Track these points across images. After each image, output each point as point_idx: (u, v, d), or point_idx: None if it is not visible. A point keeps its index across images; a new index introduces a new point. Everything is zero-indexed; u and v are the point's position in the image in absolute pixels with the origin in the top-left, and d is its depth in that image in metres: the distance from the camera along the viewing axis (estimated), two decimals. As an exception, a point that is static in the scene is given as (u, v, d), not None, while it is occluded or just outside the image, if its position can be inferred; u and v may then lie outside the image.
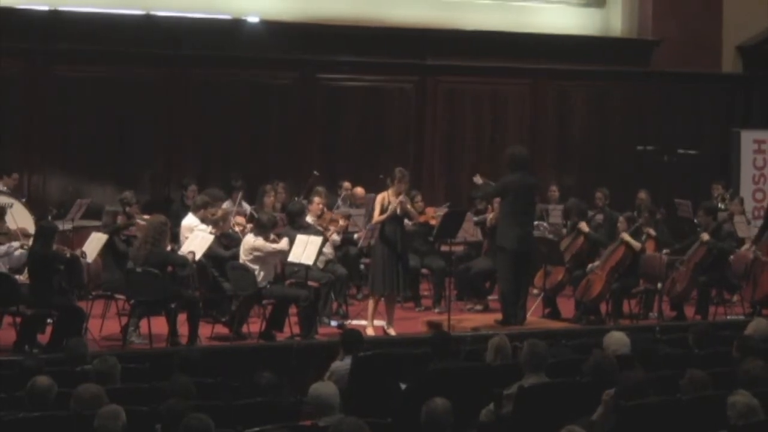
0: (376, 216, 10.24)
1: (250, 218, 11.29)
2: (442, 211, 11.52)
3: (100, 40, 13.43)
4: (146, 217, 10.75)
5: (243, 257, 10.04)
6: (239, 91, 14.22)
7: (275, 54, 14.34)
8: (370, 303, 10.41)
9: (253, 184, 12.66)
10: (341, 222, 11.26)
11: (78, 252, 9.84)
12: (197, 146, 14.06)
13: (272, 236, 10.17)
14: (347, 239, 11.66)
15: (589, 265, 11.02)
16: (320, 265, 10.80)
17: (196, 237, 10.25)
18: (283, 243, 10.01)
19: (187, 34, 13.85)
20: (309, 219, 11.09)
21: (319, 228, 10.87)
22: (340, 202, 12.77)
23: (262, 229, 10.08)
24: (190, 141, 14.03)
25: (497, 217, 11.19)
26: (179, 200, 12.52)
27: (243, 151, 14.22)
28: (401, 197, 10.16)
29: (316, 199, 11.28)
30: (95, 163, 13.50)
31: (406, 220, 11.64)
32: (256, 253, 9.94)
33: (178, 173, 13.48)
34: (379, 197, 10.33)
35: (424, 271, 11.99)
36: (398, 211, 10.14)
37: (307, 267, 10.15)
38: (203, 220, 10.62)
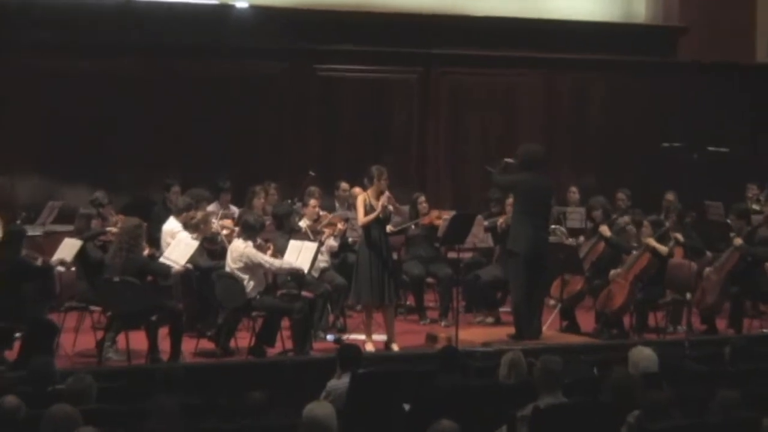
0: (361, 217, 10.23)
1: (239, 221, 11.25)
2: (448, 215, 11.45)
3: (73, 28, 13.41)
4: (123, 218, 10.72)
5: (231, 265, 9.98)
6: (227, 84, 14.21)
7: (266, 43, 14.33)
8: (365, 315, 10.38)
9: (242, 185, 12.61)
10: (340, 226, 11.22)
11: (54, 260, 9.79)
12: (181, 144, 14.02)
13: (259, 240, 10.12)
14: (345, 245, 11.62)
15: (611, 273, 10.97)
16: (315, 273, 10.76)
17: (179, 243, 10.21)
18: (279, 261, 9.95)
19: (169, 22, 13.84)
20: (303, 223, 11.05)
21: (312, 232, 10.83)
22: (337, 204, 12.74)
23: (249, 231, 10.03)
24: (173, 138, 14.00)
25: (507, 219, 11.15)
26: (161, 202, 12.48)
27: (231, 149, 14.21)
28: (386, 195, 10.14)
29: (312, 201, 11.24)
30: (69, 162, 13.47)
31: (412, 226, 11.64)
32: (246, 261, 9.89)
33: (159, 173, 13.44)
34: (360, 199, 10.33)
35: (429, 279, 11.95)
36: (386, 208, 10.12)
37: (300, 275, 10.09)
38: (185, 225, 10.58)
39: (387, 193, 10.16)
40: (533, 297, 10.33)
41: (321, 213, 11.28)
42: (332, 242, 11.24)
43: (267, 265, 9.96)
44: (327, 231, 10.97)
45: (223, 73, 14.17)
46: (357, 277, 10.27)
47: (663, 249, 10.91)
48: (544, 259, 10.34)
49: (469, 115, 15.34)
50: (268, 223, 10.99)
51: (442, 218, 11.57)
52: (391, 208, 10.31)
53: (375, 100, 14.97)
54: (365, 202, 10.23)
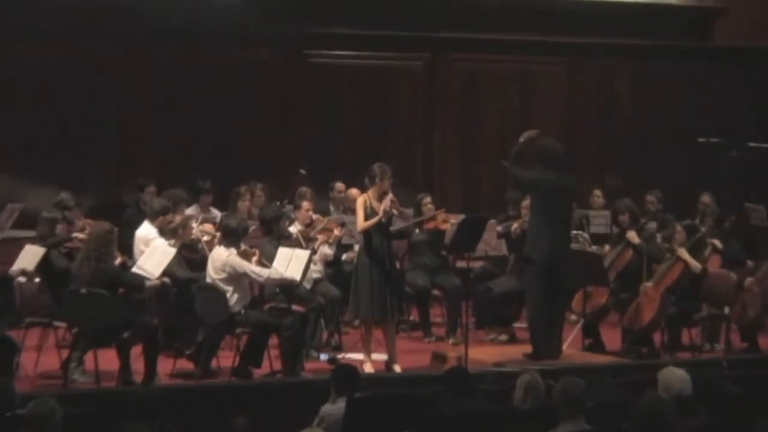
0: (361, 221, 10.22)
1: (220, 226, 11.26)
2: (457, 219, 11.45)
3: (41, 14, 13.40)
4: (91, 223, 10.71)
5: (212, 275, 9.98)
6: (208, 73, 14.21)
7: (254, 27, 14.32)
8: (363, 331, 10.38)
9: (225, 185, 12.63)
10: (336, 232, 11.22)
11: (14, 270, 9.79)
12: (157, 139, 14.04)
13: (243, 246, 10.11)
14: (341, 253, 11.63)
15: (642, 286, 10.96)
16: (307, 284, 10.75)
17: (154, 251, 10.20)
18: (267, 270, 9.94)
19: (149, 6, 13.83)
20: (294, 228, 11.05)
21: (304, 239, 10.83)
22: (331, 207, 12.73)
23: (232, 237, 10.02)
24: (148, 133, 14.01)
25: (522, 224, 11.13)
26: (134, 205, 12.49)
27: (212, 145, 14.21)
28: (389, 197, 10.12)
29: (305, 204, 11.25)
30: (30, 159, 13.47)
31: (416, 230, 11.63)
32: (229, 271, 9.89)
33: (132, 172, 13.44)
34: (360, 201, 10.32)
35: (435, 292, 11.95)
36: (389, 211, 10.09)
37: (291, 286, 10.08)
38: (161, 231, 10.57)
39: (390, 196, 10.14)
40: (552, 311, 10.31)
41: (314, 217, 11.28)
42: (327, 250, 11.23)
43: (253, 276, 9.95)
44: (321, 237, 10.96)
45: (204, 61, 14.19)
46: (355, 288, 10.26)
47: (695, 265, 10.88)
48: (566, 269, 10.32)
49: (481, 107, 15.35)
50: (254, 228, 11.00)
51: (449, 222, 11.55)
52: (395, 212, 10.30)
53: (375, 90, 14.98)
54: (366, 204, 10.22)
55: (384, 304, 10.15)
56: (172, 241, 10.40)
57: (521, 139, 10.43)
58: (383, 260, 10.18)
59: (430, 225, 11.72)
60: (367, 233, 10.20)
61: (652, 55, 15.74)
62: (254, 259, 10.11)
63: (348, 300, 10.51)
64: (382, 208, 10.11)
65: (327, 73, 14.79)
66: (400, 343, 10.72)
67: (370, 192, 10.26)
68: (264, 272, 9.96)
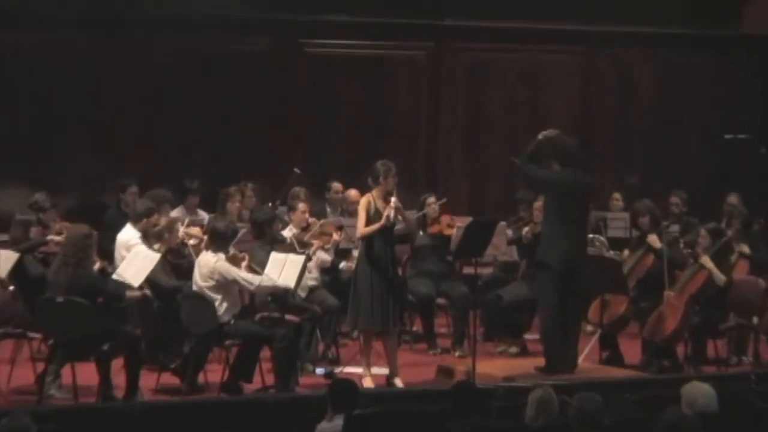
0: (361, 226, 10.22)
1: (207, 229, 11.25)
2: (463, 222, 11.46)
3: (10, 1, 13.41)
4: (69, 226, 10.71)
5: (199, 283, 9.98)
6: (194, 63, 14.23)
7: (244, 13, 14.33)
8: (363, 343, 10.40)
9: (213, 185, 12.64)
10: (334, 236, 11.22)
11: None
12: (140, 135, 14.03)
13: (232, 251, 10.11)
14: (338, 259, 11.65)
15: (663, 294, 10.96)
16: (302, 293, 10.75)
17: (135, 257, 10.20)
18: (258, 277, 9.94)
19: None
20: (288, 232, 11.05)
21: (299, 243, 10.83)
22: (328, 208, 12.75)
23: (220, 241, 10.01)
24: (130, 128, 14.01)
25: (534, 228, 11.13)
26: (115, 206, 12.50)
27: (201, 141, 14.23)
28: (393, 201, 10.11)
29: (300, 206, 11.25)
30: (4, 157, 13.47)
31: (420, 232, 11.62)
32: (218, 278, 9.89)
33: (114, 170, 13.46)
34: (363, 201, 10.30)
35: (440, 300, 11.95)
36: (391, 218, 10.10)
37: (284, 294, 10.08)
38: (145, 234, 10.59)
39: (394, 200, 10.09)
40: (567, 321, 10.30)
41: (311, 220, 11.28)
42: (324, 256, 11.23)
43: (243, 283, 9.95)
44: (317, 242, 10.97)
45: (190, 51, 14.18)
46: (354, 297, 10.26)
47: (719, 277, 10.88)
48: (582, 275, 10.32)
49: (488, 100, 15.36)
50: (244, 231, 11.00)
51: (454, 228, 11.55)
52: (400, 218, 10.26)
53: (374, 82, 14.99)
54: (369, 206, 10.20)
55: (385, 313, 10.14)
56: (158, 246, 10.40)
57: (539, 137, 10.40)
58: (385, 266, 10.18)
59: (434, 229, 11.72)
60: (368, 237, 10.20)
61: (675, 43, 15.71)
62: (244, 264, 10.11)
63: (346, 309, 10.50)
64: (384, 215, 10.07)
65: (323, 64, 14.80)
66: (403, 356, 10.73)
67: (374, 192, 10.24)
68: (255, 279, 9.96)
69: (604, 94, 15.72)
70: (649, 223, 11.39)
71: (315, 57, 14.80)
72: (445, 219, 11.82)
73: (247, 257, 10.20)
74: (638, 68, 15.78)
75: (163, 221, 10.66)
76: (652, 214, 11.45)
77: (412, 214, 11.62)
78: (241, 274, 9.92)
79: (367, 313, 10.16)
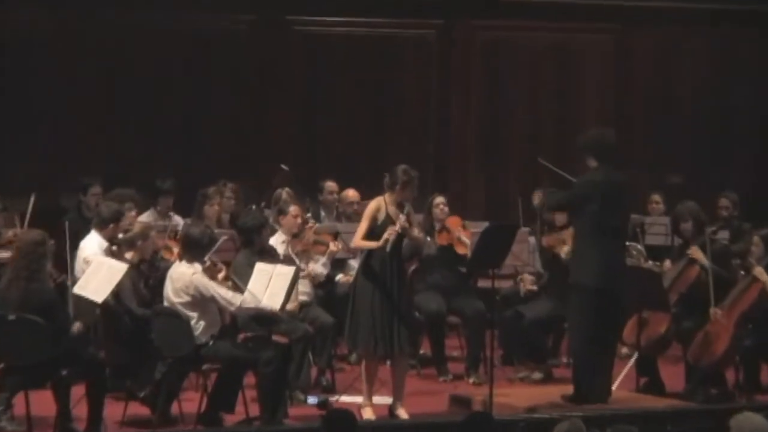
0: (360, 235, 10.20)
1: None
2: (478, 227, 11.47)
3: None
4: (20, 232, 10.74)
5: (172, 298, 9.99)
6: (169, 44, 14.27)
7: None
8: (363, 368, 10.41)
9: (189, 185, 12.66)
10: (332, 246, 11.21)
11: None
12: (103, 127, 14.06)
13: (208, 261, 10.11)
14: (334, 272, 11.70)
15: (710, 311, 10.96)
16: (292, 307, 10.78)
17: (99, 267, 10.20)
18: (240, 296, 9.90)
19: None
20: (278, 239, 11.06)
21: (293, 253, 10.83)
22: (322, 212, 12.77)
23: (195, 249, 9.98)
24: (92, 119, 14.04)
25: (562, 241, 11.16)
26: (75, 209, 12.50)
27: (175, 134, 14.26)
28: (402, 217, 10.08)
29: (292, 209, 11.26)
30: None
31: (427, 238, 11.59)
32: (194, 294, 9.88)
33: (73, 168, 13.48)
34: (372, 207, 10.27)
35: (451, 318, 11.97)
36: (390, 243, 10.04)
37: (271, 314, 10.09)
38: (112, 242, 10.61)
39: (403, 217, 10.05)
40: (602, 344, 10.31)
41: (308, 225, 11.28)
42: (319, 269, 11.20)
43: (222, 302, 9.90)
44: (312, 253, 11.00)
45: (164, 30, 14.21)
46: (353, 315, 10.25)
47: (773, 288, 10.93)
48: (623, 294, 10.33)
49: (508, 87, 15.42)
50: (225, 238, 11.00)
51: (469, 233, 11.55)
52: (412, 230, 10.24)
53: (376, 66, 15.04)
54: (378, 212, 10.17)
55: (388, 336, 10.10)
56: (131, 255, 10.39)
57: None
58: (388, 281, 10.15)
59: (443, 239, 11.70)
60: (369, 251, 10.16)
61: (725, 20, 15.74)
62: (221, 276, 10.09)
63: (343, 328, 10.51)
64: (384, 237, 10.01)
65: (314, 45, 14.85)
66: (408, 383, 10.67)
67: (387, 197, 10.21)
68: (236, 299, 9.91)
69: (641, 80, 15.76)
70: (692, 229, 11.38)
71: (306, 37, 14.84)
72: (454, 224, 11.78)
73: (224, 268, 10.18)
74: (682, 50, 15.79)
75: (137, 228, 10.64)
76: (696, 218, 11.44)
77: (419, 218, 11.54)
78: (221, 291, 9.88)
79: (367, 334, 10.16)
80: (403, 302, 10.29)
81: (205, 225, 10.70)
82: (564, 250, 11.34)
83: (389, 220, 10.09)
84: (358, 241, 10.25)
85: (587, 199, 10.22)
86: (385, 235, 10.02)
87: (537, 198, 11.42)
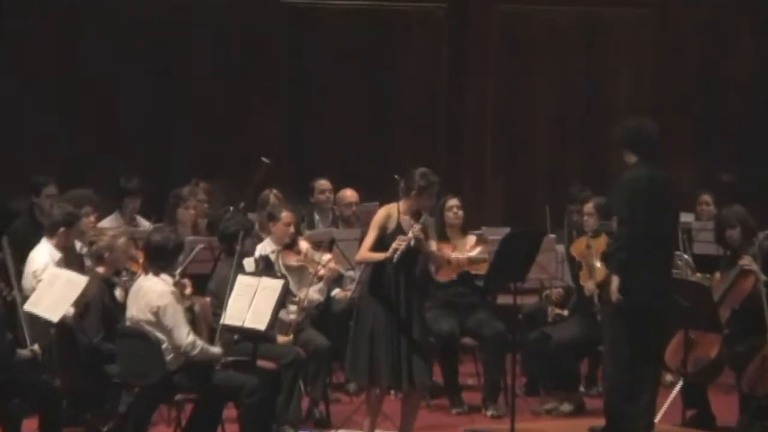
0: (366, 247, 10.16)
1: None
2: (496, 235, 11.42)
3: None
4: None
5: (136, 315, 9.92)
6: (136, 21, 14.32)
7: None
8: (367, 399, 10.37)
9: (158, 185, 12.64)
10: (331, 265, 11.19)
11: None
12: (59, 117, 14.08)
13: (177, 275, 10.08)
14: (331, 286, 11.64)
15: (768, 332, 10.98)
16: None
17: (54, 281, 10.18)
18: (207, 347, 9.85)
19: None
20: (267, 249, 11.10)
21: (282, 269, 10.90)
22: (316, 215, 12.80)
23: (162, 259, 9.95)
24: (45, 108, 14.03)
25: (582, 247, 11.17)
26: (27, 213, 12.48)
27: (142, 125, 14.30)
28: (417, 227, 10.03)
29: (285, 216, 11.25)
30: None
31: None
32: (161, 316, 9.82)
33: (25, 166, 13.45)
34: (381, 214, 10.22)
35: (466, 341, 11.93)
36: (398, 254, 10.00)
37: (256, 336, 10.07)
38: (67, 252, 10.58)
39: (418, 226, 9.96)
40: (643, 371, 10.29)
41: (305, 245, 11.28)
42: (314, 294, 11.16)
43: (178, 342, 9.72)
44: (309, 267, 11.05)
45: (134, 4, 14.22)
46: (354, 339, 10.19)
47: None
48: (667, 315, 10.32)
49: (531, 71, 15.46)
50: (201, 247, 11.00)
51: (487, 245, 11.51)
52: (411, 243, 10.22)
53: (379, 44, 15.08)
54: (387, 221, 10.12)
55: (395, 366, 10.05)
56: (103, 269, 10.35)
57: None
58: (396, 301, 10.09)
59: (445, 274, 11.61)
60: (377, 265, 10.09)
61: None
62: (187, 292, 10.07)
63: (339, 352, 10.51)
64: (392, 247, 9.95)
65: (307, 18, 14.86)
66: (420, 417, 10.62)
67: (401, 205, 10.18)
68: (197, 344, 9.70)
69: (685, 65, 15.76)
70: (739, 236, 11.35)
71: (299, 11, 14.87)
72: (448, 249, 11.70)
73: (189, 286, 10.13)
74: (733, 31, 15.81)
75: (106, 238, 10.57)
76: (744, 224, 11.41)
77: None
78: (183, 329, 9.72)
79: (364, 365, 10.08)
80: (415, 326, 10.19)
81: (170, 229, 10.57)
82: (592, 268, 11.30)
83: (400, 231, 10.05)
84: (364, 253, 10.19)
85: (633, 202, 10.17)
86: (394, 245, 9.94)
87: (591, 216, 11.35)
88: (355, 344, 10.17)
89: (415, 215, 10.07)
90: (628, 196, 10.16)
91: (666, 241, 10.40)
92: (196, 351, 9.73)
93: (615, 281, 10.10)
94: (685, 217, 13.39)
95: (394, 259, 9.93)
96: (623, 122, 10.57)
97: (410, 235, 9.95)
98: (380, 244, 10.06)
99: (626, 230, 10.09)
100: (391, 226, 10.10)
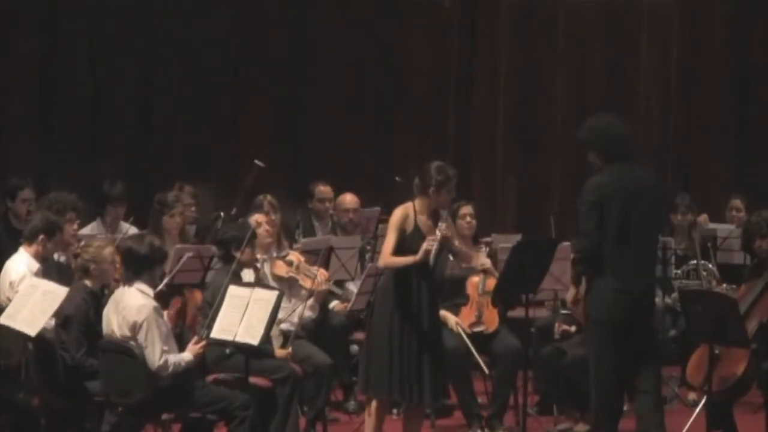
0: (388, 251, 10.20)
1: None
2: (508, 242, 11.56)
3: None
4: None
5: (118, 330, 9.96)
6: (117, 8, 14.42)
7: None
8: (369, 415, 10.39)
9: (143, 189, 12.72)
10: (318, 283, 11.24)
11: None
12: (35, 115, 14.22)
13: (161, 285, 10.15)
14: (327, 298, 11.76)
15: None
16: (277, 341, 10.85)
17: (32, 292, 10.16)
18: (178, 357, 9.88)
19: None
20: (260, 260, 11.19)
21: (271, 279, 10.96)
22: (315, 222, 12.87)
23: (142, 269, 10.04)
24: (21, 105, 14.20)
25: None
26: (1, 219, 12.51)
27: (124, 123, 14.40)
28: (443, 225, 10.12)
29: (256, 218, 11.35)
30: None
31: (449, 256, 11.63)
32: (145, 329, 9.87)
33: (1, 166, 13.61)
34: (397, 215, 10.21)
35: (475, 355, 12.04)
36: (433, 255, 10.03)
37: (249, 350, 10.21)
38: (45, 261, 10.68)
39: (444, 225, 10.01)
40: (604, 398, 10.25)
41: (296, 256, 11.37)
42: (306, 312, 11.20)
43: (150, 363, 9.78)
44: (300, 279, 11.16)
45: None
46: (369, 351, 10.23)
47: None
48: (647, 324, 10.23)
49: (544, 59, 15.53)
50: (189, 255, 11.12)
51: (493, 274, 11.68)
52: (455, 248, 10.30)
53: (382, 33, 15.15)
54: (405, 221, 10.13)
55: (409, 380, 10.09)
56: (89, 282, 10.30)
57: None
58: (418, 314, 10.12)
59: (466, 258, 11.61)
60: (399, 272, 10.13)
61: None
62: (172, 311, 10.17)
63: (338, 370, 10.55)
64: (423, 248, 9.93)
65: (299, 9, 14.97)
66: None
67: (417, 204, 10.22)
68: (168, 364, 9.82)
69: (713, 54, 15.78)
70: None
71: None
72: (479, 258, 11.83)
73: (181, 304, 10.24)
74: (764, 19, 15.81)
75: (92, 249, 10.54)
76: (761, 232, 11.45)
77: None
78: (156, 351, 9.78)
79: (384, 378, 10.10)
80: (434, 337, 10.26)
81: (151, 240, 10.45)
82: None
83: (419, 232, 10.06)
84: (387, 258, 10.10)
85: (596, 211, 10.02)
86: (425, 245, 9.91)
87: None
88: (369, 356, 10.18)
89: (433, 214, 10.10)
90: (590, 205, 10.01)
91: (636, 252, 10.18)
92: (168, 372, 9.81)
93: (571, 292, 10.20)
94: (712, 225, 13.52)
95: (431, 261, 9.95)
96: (589, 121, 10.33)
97: (438, 234, 9.95)
98: (400, 246, 10.04)
99: (586, 242, 10.01)
100: (409, 227, 10.09)
